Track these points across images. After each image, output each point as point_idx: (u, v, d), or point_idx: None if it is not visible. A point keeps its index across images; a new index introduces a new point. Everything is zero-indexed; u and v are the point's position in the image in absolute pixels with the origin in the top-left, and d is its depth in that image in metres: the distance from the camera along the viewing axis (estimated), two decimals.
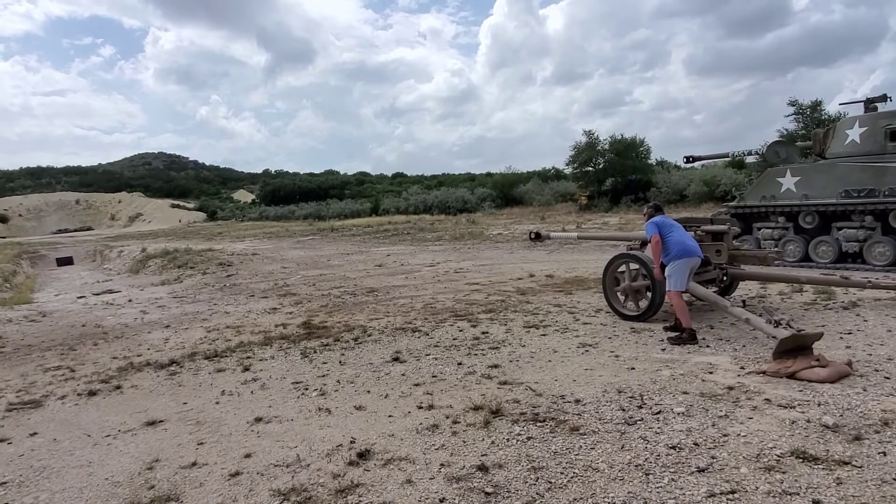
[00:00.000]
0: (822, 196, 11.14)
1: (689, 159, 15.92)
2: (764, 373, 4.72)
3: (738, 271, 7.89)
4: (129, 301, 12.06)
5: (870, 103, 11.71)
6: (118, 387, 5.71)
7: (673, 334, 6.15)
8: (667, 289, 6.32)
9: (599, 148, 38.35)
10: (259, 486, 3.39)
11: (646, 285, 7.01)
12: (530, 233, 9.77)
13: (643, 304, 7.09)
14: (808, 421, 3.74)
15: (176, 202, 77.06)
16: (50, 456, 4.11)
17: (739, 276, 7.97)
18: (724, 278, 7.72)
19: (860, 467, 3.08)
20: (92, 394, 5.52)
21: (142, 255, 22.13)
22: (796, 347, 4.74)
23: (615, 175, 37.48)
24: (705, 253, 7.32)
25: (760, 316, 5.52)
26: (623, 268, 7.29)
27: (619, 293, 7.39)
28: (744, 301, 6.09)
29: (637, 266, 7.06)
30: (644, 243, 7.43)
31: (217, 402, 5.04)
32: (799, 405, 4.03)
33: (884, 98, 11.73)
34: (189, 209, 71.00)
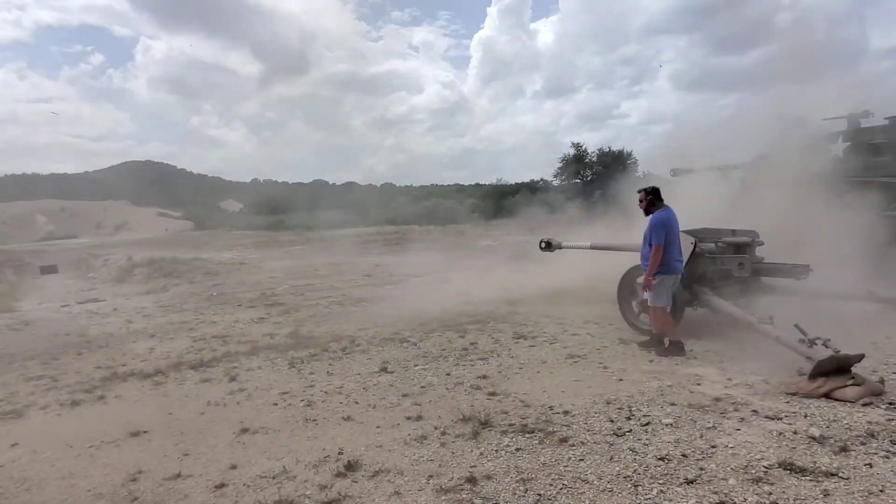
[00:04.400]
0: None
1: (674, 172, 16.04)
2: (795, 393, 4.51)
3: (760, 285, 7.53)
4: (114, 310, 11.92)
5: (853, 119, 11.88)
6: (102, 397, 5.64)
7: (659, 347, 6.09)
8: (652, 303, 6.08)
9: (587, 160, 38.69)
10: (245, 497, 3.35)
11: None
12: (541, 241, 9.37)
13: None
14: (795, 432, 3.76)
15: (163, 211, 76.47)
16: (31, 467, 4.04)
17: (761, 290, 7.56)
18: (746, 292, 7.33)
19: (847, 479, 3.10)
20: (75, 404, 5.45)
21: (127, 264, 21.89)
22: (835, 369, 4.50)
23: (603, 187, 37.74)
24: (727, 265, 7.08)
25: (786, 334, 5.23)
26: (641, 279, 7.04)
27: (634, 305, 7.17)
28: (771, 317, 5.71)
29: None
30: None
31: (202, 413, 4.98)
32: (786, 417, 4.05)
33: (866, 114, 11.90)
34: (176, 218, 70.46)
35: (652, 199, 6.09)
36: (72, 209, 79.69)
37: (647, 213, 6.13)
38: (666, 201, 6.23)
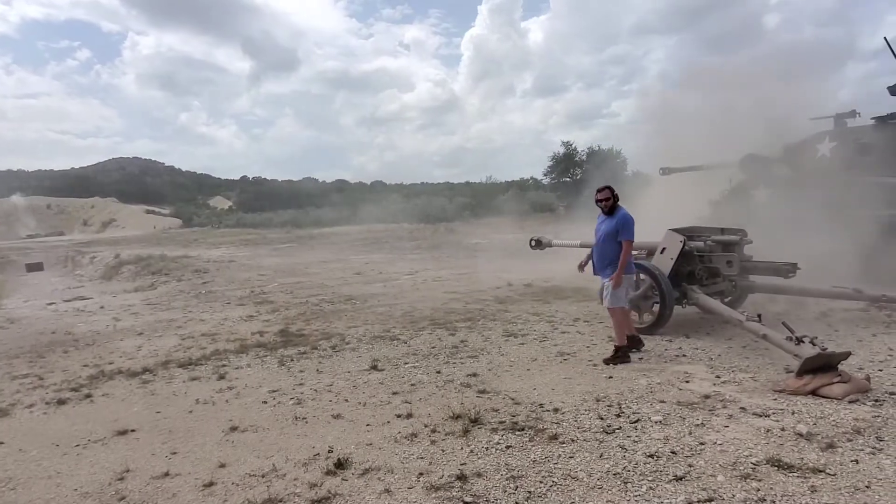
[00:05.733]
0: None
1: (664, 171, 16.15)
2: (783, 391, 4.54)
3: (748, 283, 7.62)
4: (101, 308, 11.82)
5: (840, 119, 11.99)
6: (88, 395, 5.58)
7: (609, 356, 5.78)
8: (613, 305, 5.79)
9: (577, 159, 38.89)
10: (234, 496, 3.33)
11: (654, 298, 6.74)
12: (531, 240, 9.24)
13: (648, 317, 6.85)
14: (783, 429, 3.79)
15: (151, 208, 75.78)
16: (16, 466, 4.00)
17: (750, 288, 7.70)
18: (734, 290, 7.49)
19: (834, 475, 3.13)
20: (61, 402, 5.39)
21: (115, 262, 21.71)
22: (822, 367, 4.54)
23: (592, 186, 38.01)
24: (716, 264, 7.11)
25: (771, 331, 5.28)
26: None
27: None
28: (759, 315, 5.74)
29: (646, 277, 6.77)
30: (650, 253, 7.10)
31: (191, 411, 4.95)
32: (773, 414, 4.08)
33: (853, 114, 12.02)
34: (164, 215, 69.83)
35: (617, 197, 5.90)
36: (59, 206, 78.84)
37: (610, 211, 5.85)
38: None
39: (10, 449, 4.32)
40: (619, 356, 5.69)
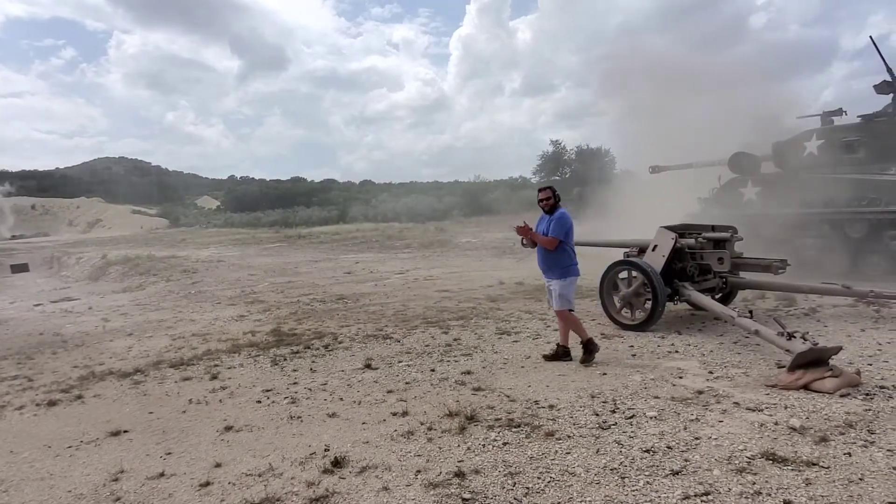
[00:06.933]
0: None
1: (653, 169, 16.25)
2: (775, 386, 4.58)
3: (739, 280, 7.70)
4: (90, 309, 11.71)
5: (826, 117, 12.14)
6: (79, 396, 5.53)
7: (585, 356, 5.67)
8: (561, 307, 5.68)
9: (566, 157, 39.05)
10: (231, 496, 3.31)
11: (646, 295, 6.81)
12: (522, 239, 9.40)
13: (640, 314, 6.91)
14: (776, 423, 3.82)
15: (137, 208, 75.09)
16: (8, 469, 3.95)
17: (740, 285, 7.79)
18: (724, 287, 7.57)
19: (827, 468, 3.16)
20: (52, 404, 5.34)
21: (102, 262, 21.51)
22: (813, 361, 4.59)
23: (581, 184, 38.14)
24: (707, 260, 7.19)
25: (764, 326, 5.35)
26: (624, 275, 7.08)
27: (616, 301, 7.15)
28: (750, 311, 5.81)
29: (638, 274, 6.83)
30: (642, 250, 7.20)
31: (184, 412, 4.92)
32: (766, 408, 4.12)
33: (839, 112, 12.17)
34: (151, 215, 69.20)
35: (559, 198, 5.81)
36: (44, 206, 77.94)
37: (550, 211, 5.74)
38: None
39: (0, 451, 4.28)
40: (589, 349, 5.60)
